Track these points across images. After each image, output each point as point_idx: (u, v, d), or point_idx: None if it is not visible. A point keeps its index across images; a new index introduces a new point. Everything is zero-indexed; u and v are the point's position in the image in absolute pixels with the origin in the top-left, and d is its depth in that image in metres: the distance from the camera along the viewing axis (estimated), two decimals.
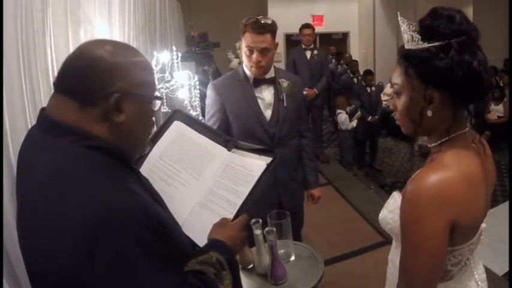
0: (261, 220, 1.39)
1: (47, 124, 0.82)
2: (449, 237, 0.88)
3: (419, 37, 0.87)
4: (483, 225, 0.98)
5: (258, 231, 1.36)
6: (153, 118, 0.93)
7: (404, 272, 0.91)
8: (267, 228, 1.36)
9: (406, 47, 0.91)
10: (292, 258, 1.49)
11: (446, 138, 0.92)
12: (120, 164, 0.84)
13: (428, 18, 0.88)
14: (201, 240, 0.99)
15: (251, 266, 1.45)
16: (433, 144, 0.97)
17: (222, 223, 1.01)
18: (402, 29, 0.90)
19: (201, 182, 1.07)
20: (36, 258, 0.76)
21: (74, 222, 0.70)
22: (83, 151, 0.78)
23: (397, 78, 0.94)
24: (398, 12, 0.95)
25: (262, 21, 1.79)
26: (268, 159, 1.07)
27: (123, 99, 0.81)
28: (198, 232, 0.99)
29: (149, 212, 0.77)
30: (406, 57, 0.91)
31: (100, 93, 0.79)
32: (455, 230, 0.87)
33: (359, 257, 3.02)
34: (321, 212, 3.10)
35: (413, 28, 0.89)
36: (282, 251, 1.46)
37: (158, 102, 0.90)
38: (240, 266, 1.45)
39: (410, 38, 0.88)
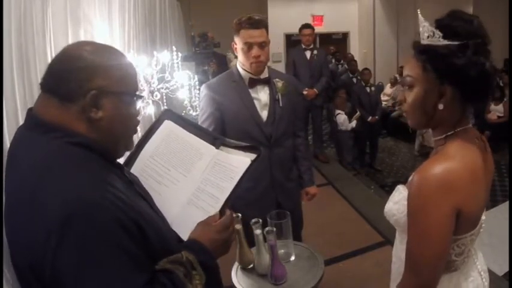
0: (261, 220, 1.39)
1: (32, 123, 0.85)
2: (454, 226, 0.92)
3: (441, 34, 0.91)
4: (483, 217, 1.04)
5: (258, 231, 1.36)
6: (138, 117, 0.95)
7: (411, 259, 0.94)
8: (267, 228, 1.35)
9: (424, 42, 0.94)
10: (292, 258, 1.49)
11: (452, 132, 0.97)
12: (102, 159, 0.86)
13: (447, 19, 0.93)
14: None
15: (251, 266, 1.45)
16: (437, 138, 1.01)
17: (207, 222, 0.99)
18: (422, 25, 0.94)
19: (189, 179, 1.09)
20: (15, 249, 0.79)
21: (46, 215, 0.72)
22: (65, 147, 0.81)
23: (412, 70, 0.97)
24: (419, 10, 0.99)
25: (256, 17, 1.83)
26: (253, 156, 1.08)
27: (101, 96, 0.84)
28: (186, 229, 1.00)
29: (123, 207, 0.78)
30: (425, 52, 0.94)
31: (78, 90, 0.82)
32: (459, 219, 0.91)
33: (359, 257, 3.01)
34: (321, 212, 3.10)
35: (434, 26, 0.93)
36: (282, 251, 1.46)
37: (139, 101, 0.93)
38: (239, 266, 1.46)
39: (431, 33, 0.92)
